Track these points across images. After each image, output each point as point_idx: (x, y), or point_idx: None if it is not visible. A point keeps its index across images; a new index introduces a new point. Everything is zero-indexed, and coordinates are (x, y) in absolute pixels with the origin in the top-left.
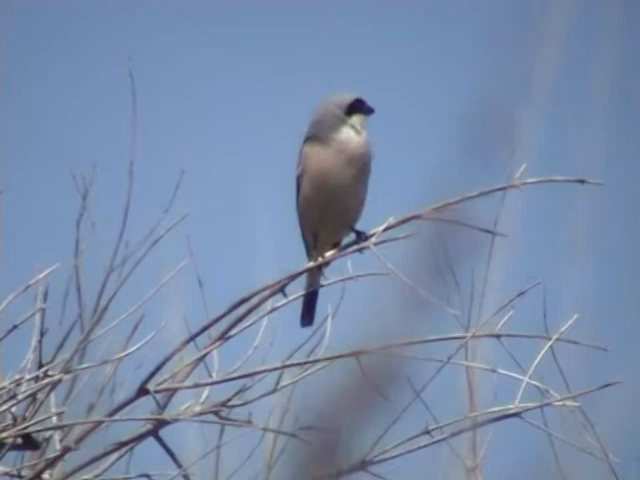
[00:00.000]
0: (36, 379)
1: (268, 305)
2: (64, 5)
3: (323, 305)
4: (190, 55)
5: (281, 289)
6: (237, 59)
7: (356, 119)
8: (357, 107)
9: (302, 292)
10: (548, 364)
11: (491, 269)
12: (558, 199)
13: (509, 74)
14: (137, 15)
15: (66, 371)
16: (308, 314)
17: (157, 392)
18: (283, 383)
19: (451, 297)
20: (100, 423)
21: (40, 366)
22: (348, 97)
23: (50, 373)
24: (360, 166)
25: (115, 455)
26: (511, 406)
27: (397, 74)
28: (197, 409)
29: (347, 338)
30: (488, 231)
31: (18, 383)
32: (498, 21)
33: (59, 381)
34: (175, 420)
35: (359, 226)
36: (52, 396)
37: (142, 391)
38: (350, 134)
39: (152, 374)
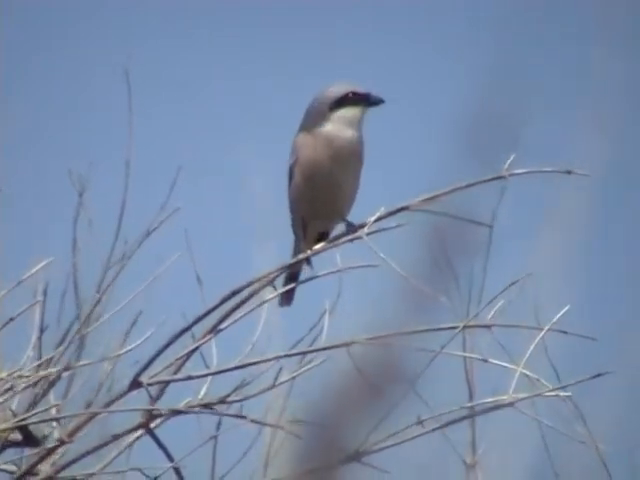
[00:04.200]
0: (37, 368)
1: (259, 297)
2: (64, 5)
3: (321, 301)
4: (190, 55)
5: (271, 281)
6: (237, 59)
7: (344, 113)
8: (347, 100)
9: (285, 280)
10: (541, 355)
11: (488, 261)
12: (549, 190)
13: (510, 75)
14: (137, 15)
15: (65, 367)
16: (287, 294)
17: (150, 384)
18: (281, 380)
19: (447, 289)
20: (94, 415)
21: (39, 362)
22: (336, 91)
23: (49, 368)
24: (348, 161)
25: (115, 452)
26: (504, 396)
27: (397, 73)
28: (195, 405)
29: (344, 330)
30: (475, 222)
31: (18, 375)
32: (498, 21)
33: (58, 376)
34: (169, 412)
35: (351, 218)
36: (51, 394)
37: (135, 383)
38: (334, 129)
39: (145, 367)
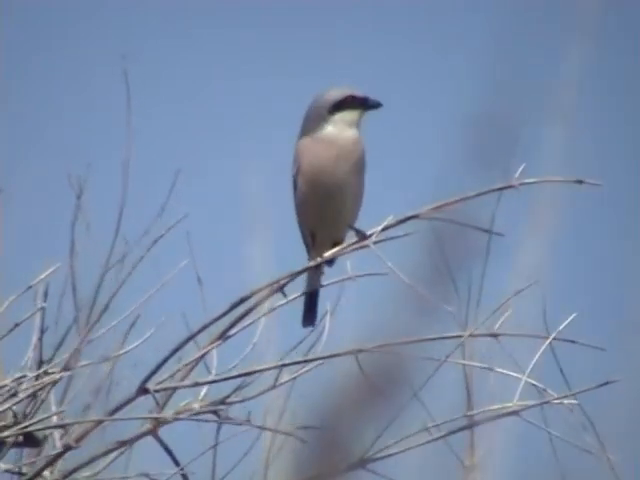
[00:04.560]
0: (37, 377)
1: (267, 305)
2: (64, 5)
3: (322, 303)
4: (190, 55)
5: (280, 288)
6: (237, 59)
7: (343, 116)
8: (347, 104)
9: (302, 292)
10: (547, 363)
11: (491, 269)
12: (556, 198)
13: (510, 75)
14: (137, 15)
15: (66, 369)
16: (310, 314)
17: (157, 391)
18: (282, 380)
19: (451, 297)
20: (100, 422)
21: (40, 364)
22: (335, 94)
23: (50, 371)
24: (350, 162)
25: (115, 453)
26: (510, 404)
27: (398, 74)
28: (196, 406)
29: (346, 336)
30: (485, 230)
31: (19, 382)
32: (498, 21)
33: (59, 379)
34: (175, 419)
35: (360, 225)
36: (52, 394)
37: (142, 390)
38: (334, 131)
39: (152, 373)
